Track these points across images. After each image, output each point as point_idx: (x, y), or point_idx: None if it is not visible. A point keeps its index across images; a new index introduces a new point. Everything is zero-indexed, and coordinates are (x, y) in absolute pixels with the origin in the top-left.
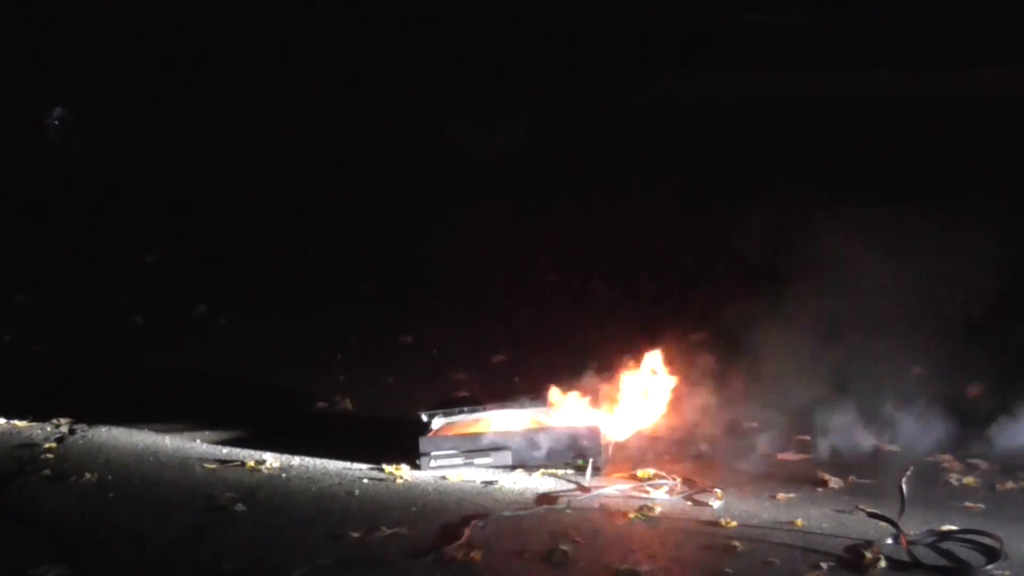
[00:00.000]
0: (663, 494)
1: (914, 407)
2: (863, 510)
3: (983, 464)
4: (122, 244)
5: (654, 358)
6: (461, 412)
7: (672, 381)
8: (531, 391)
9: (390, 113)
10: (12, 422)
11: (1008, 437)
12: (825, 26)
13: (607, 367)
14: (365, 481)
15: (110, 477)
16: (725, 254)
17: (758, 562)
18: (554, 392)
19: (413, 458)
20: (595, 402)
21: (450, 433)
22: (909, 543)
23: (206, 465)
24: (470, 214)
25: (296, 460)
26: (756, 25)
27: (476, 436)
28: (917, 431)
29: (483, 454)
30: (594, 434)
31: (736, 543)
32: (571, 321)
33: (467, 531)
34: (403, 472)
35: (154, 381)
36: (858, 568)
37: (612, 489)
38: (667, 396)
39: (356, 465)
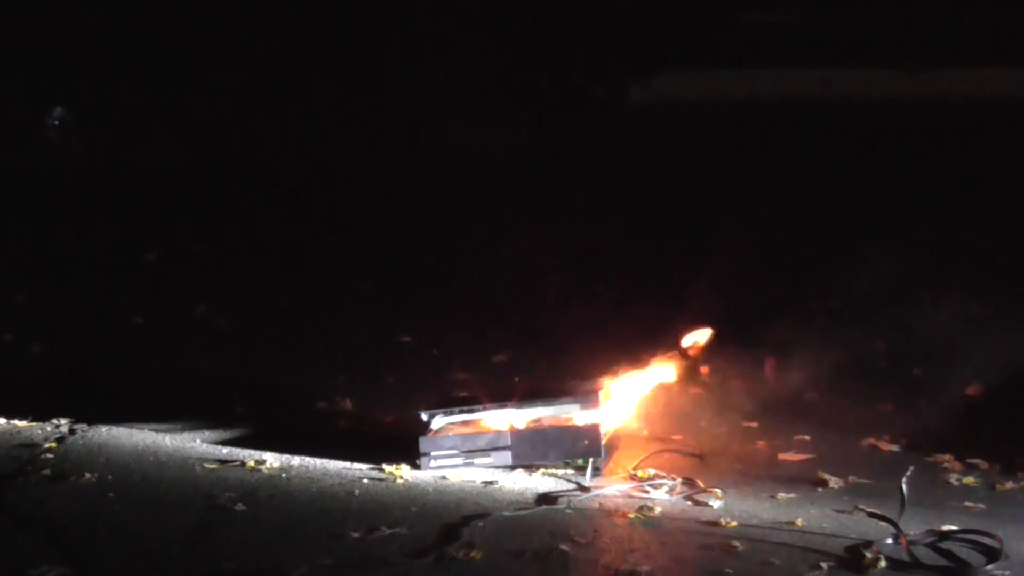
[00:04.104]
0: (663, 494)
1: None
2: (863, 510)
3: (983, 464)
4: (122, 244)
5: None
6: (462, 412)
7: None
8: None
9: (390, 112)
10: (12, 422)
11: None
12: (825, 26)
13: (608, 366)
14: (365, 481)
15: (110, 477)
16: (726, 252)
17: (758, 562)
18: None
19: (413, 458)
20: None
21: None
22: (909, 543)
23: (206, 465)
24: (470, 214)
25: (296, 460)
26: (756, 25)
27: (476, 436)
28: None
29: (483, 454)
30: (594, 434)
31: (736, 543)
32: (571, 321)
33: (467, 531)
34: (403, 472)
35: (154, 381)
36: (858, 568)
37: (612, 489)
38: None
39: (356, 465)
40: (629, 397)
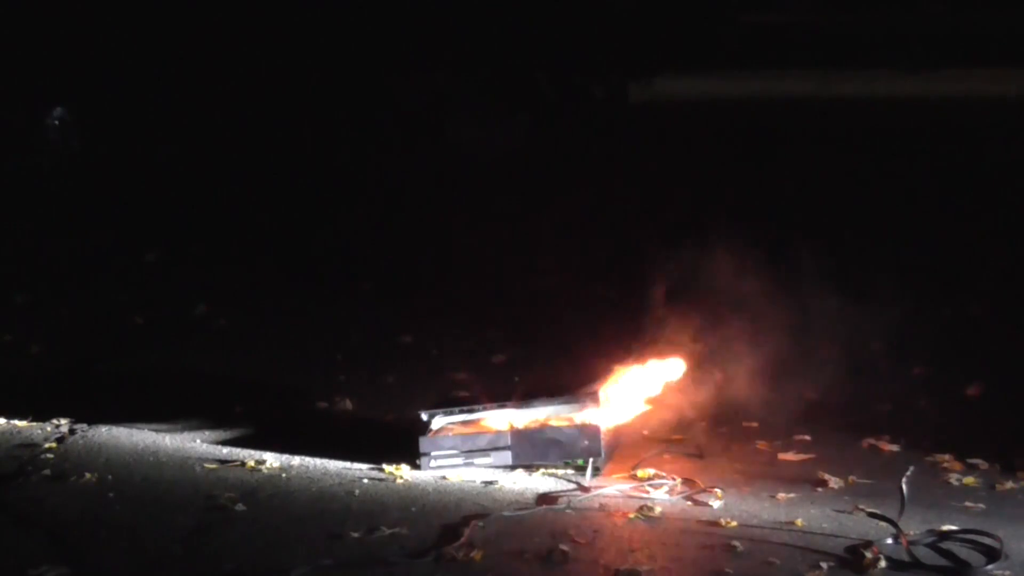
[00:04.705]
0: (663, 494)
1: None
2: (863, 510)
3: (983, 464)
4: (122, 244)
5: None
6: (462, 412)
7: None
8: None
9: (390, 112)
10: (12, 422)
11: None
12: (825, 26)
13: (608, 365)
14: (365, 481)
15: (110, 477)
16: (725, 253)
17: (758, 562)
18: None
19: (413, 458)
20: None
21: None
22: (909, 543)
23: (206, 465)
24: (470, 214)
25: (296, 460)
26: (756, 25)
27: (476, 436)
28: None
29: (483, 454)
30: (594, 434)
31: (736, 543)
32: (571, 321)
33: (467, 531)
34: (403, 472)
35: (154, 381)
36: (858, 568)
37: (612, 489)
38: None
39: (356, 465)
40: (629, 396)
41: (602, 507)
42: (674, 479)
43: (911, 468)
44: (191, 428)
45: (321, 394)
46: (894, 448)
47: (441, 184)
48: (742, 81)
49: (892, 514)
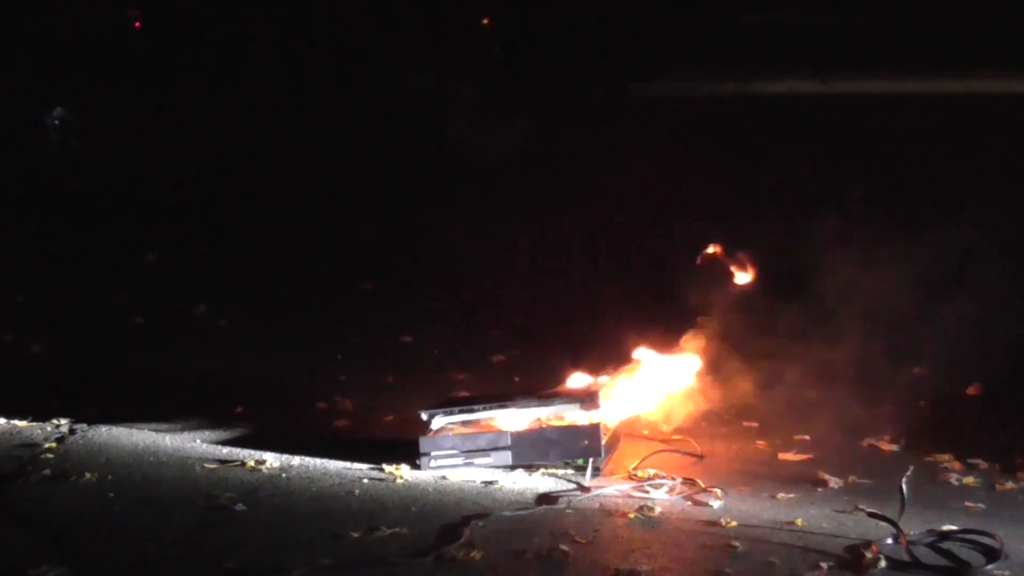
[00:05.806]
0: (663, 494)
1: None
2: (863, 510)
3: (983, 464)
4: (122, 244)
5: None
6: (462, 412)
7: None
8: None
9: (390, 113)
10: (12, 422)
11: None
12: (825, 26)
13: (607, 365)
14: (365, 481)
15: (110, 477)
16: (724, 254)
17: (758, 562)
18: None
19: (413, 458)
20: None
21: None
22: (909, 543)
23: (206, 465)
24: (470, 214)
25: (296, 460)
26: (756, 25)
27: (476, 436)
28: None
29: (483, 454)
30: (594, 434)
31: (736, 543)
32: (571, 321)
33: (467, 531)
34: (403, 472)
35: (154, 381)
36: (858, 568)
37: (612, 489)
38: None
39: (356, 465)
40: (630, 396)
41: (602, 507)
42: (674, 479)
43: (911, 468)
44: (191, 428)
45: (321, 394)
46: (894, 448)
47: (441, 184)
48: (742, 81)
49: (892, 514)
